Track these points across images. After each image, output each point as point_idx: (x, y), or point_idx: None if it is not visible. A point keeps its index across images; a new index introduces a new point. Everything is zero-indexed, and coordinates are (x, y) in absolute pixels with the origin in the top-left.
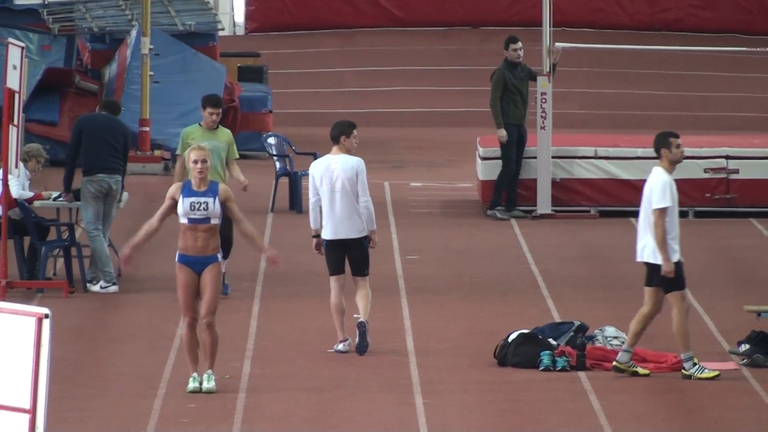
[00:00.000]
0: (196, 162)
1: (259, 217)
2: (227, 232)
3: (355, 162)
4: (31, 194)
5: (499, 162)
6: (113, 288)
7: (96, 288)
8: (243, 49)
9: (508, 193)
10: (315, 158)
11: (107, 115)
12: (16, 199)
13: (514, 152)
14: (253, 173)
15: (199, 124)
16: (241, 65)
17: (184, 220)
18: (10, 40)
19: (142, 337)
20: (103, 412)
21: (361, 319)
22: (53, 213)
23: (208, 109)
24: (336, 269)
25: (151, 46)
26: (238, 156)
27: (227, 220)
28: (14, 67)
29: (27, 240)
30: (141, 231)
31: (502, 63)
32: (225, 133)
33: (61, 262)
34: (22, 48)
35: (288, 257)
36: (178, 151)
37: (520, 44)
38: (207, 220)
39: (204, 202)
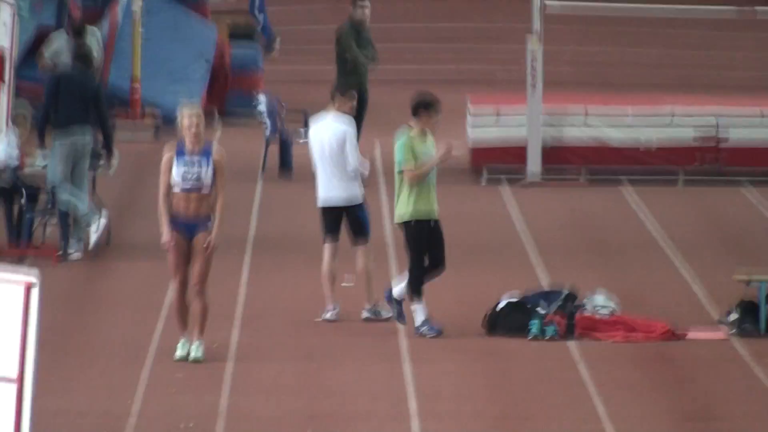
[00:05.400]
0: (191, 117)
1: (250, 183)
2: None
3: (344, 127)
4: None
5: (492, 122)
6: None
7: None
8: (234, 7)
9: None
10: (304, 116)
11: (82, 70)
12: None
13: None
14: (243, 135)
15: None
16: (231, 23)
17: (176, 189)
18: None
19: (130, 306)
20: (91, 382)
21: (366, 314)
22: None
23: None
24: (328, 235)
25: (142, 4)
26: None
27: None
28: (4, 24)
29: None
30: (161, 212)
31: (347, 22)
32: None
33: (50, 229)
34: (13, 6)
35: (278, 223)
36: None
37: (367, 2)
38: (198, 189)
39: (196, 173)
